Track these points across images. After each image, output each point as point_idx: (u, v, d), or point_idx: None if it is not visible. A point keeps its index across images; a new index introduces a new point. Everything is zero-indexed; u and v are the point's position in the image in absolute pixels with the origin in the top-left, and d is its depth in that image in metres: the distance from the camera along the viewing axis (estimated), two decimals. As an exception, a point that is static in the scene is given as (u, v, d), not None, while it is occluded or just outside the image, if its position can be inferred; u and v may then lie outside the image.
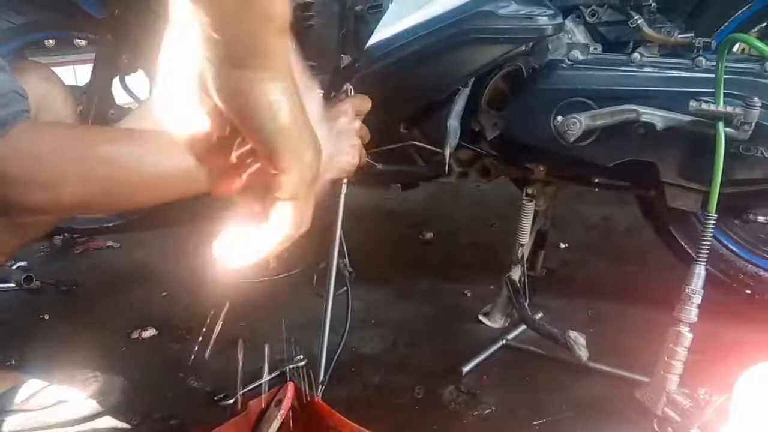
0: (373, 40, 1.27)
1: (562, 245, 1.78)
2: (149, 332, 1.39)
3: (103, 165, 0.80)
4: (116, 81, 1.78)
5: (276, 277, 1.68)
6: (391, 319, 1.42)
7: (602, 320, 1.38)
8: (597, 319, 1.39)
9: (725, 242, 1.28)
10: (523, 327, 1.30)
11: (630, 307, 1.41)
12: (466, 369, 1.21)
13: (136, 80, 1.80)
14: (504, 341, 1.29)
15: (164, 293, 1.60)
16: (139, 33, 1.65)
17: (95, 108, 1.76)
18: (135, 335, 1.38)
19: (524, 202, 1.32)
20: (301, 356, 1.26)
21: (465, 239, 1.90)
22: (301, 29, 1.52)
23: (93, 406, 1.12)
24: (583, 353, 1.16)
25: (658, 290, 1.48)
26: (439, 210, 2.14)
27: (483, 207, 2.11)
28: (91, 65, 1.75)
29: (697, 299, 0.99)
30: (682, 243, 1.30)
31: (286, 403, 1.01)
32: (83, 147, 0.80)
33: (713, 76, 1.01)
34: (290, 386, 1.03)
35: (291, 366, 1.24)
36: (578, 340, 1.16)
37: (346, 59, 1.39)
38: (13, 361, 1.30)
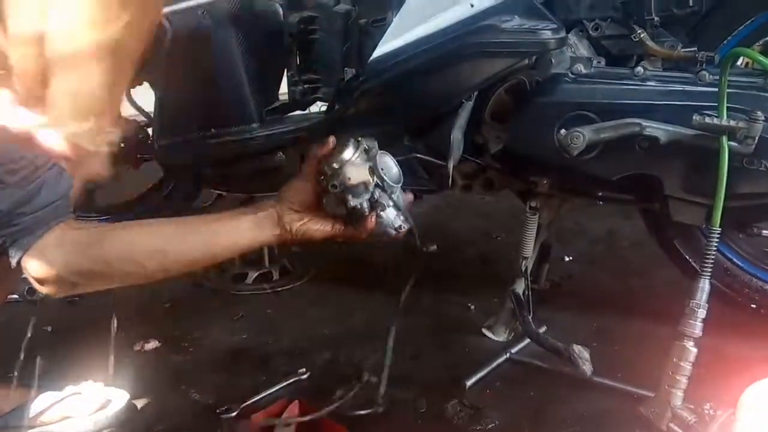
0: (376, 54, 1.28)
1: (567, 258, 1.77)
2: (152, 344, 1.39)
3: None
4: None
5: (279, 290, 1.68)
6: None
7: (606, 334, 1.37)
8: (601, 333, 1.38)
9: (730, 256, 1.28)
10: (527, 341, 1.30)
11: (634, 321, 1.40)
12: (469, 383, 1.20)
13: (141, 93, 1.82)
14: (508, 355, 1.28)
15: (167, 304, 1.60)
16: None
17: (101, 120, 1.77)
18: (138, 347, 1.38)
19: (528, 215, 1.32)
20: (304, 369, 1.25)
21: (469, 252, 1.89)
22: (305, 43, 1.53)
23: (97, 420, 1.11)
24: (587, 367, 1.15)
25: (663, 304, 1.47)
26: (442, 222, 2.13)
27: (487, 219, 2.11)
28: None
29: (702, 314, 0.99)
30: (687, 257, 1.30)
31: (295, 422, 1.01)
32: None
33: (716, 90, 1.01)
34: (296, 403, 1.03)
35: (294, 379, 1.24)
36: (582, 354, 1.15)
37: (350, 73, 1.40)
38: (16, 373, 1.29)
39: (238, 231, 0.93)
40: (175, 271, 0.93)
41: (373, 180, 0.92)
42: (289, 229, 0.95)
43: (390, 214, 0.93)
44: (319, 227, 0.97)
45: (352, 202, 0.92)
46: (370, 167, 0.92)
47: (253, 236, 0.94)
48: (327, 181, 0.93)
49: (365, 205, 0.93)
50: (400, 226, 0.94)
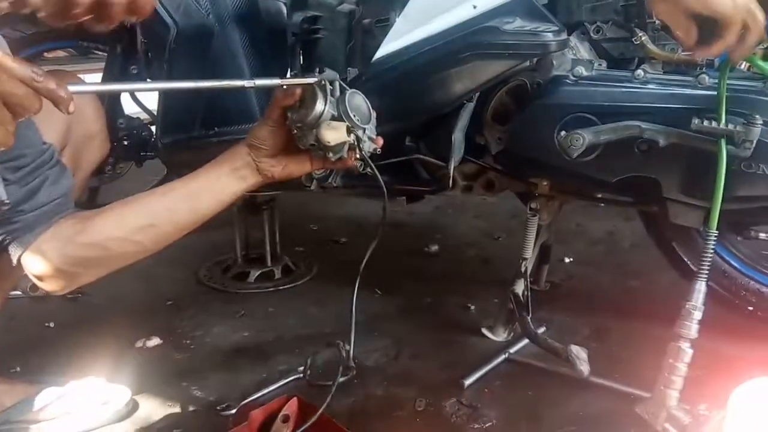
0: (379, 54, 1.29)
1: (567, 259, 1.78)
2: (154, 341, 1.40)
3: (144, 237, 0.92)
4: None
5: (281, 288, 1.69)
6: (394, 331, 1.43)
7: (605, 335, 1.38)
8: (600, 334, 1.38)
9: (728, 258, 1.28)
10: (526, 341, 1.30)
11: (633, 322, 1.41)
12: (468, 382, 1.21)
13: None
14: (506, 355, 1.29)
15: (169, 302, 1.61)
16: (148, 44, 1.67)
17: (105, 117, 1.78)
18: (140, 344, 1.39)
19: (528, 216, 1.33)
20: (303, 367, 1.26)
21: (470, 252, 1.90)
22: (308, 42, 1.54)
23: (98, 416, 1.12)
24: (584, 368, 1.16)
25: (661, 305, 1.46)
26: (444, 223, 2.15)
27: (488, 220, 2.12)
28: (101, 75, 1.78)
29: (698, 315, 1.00)
30: (685, 258, 1.30)
31: (293, 418, 1.02)
32: (126, 231, 0.91)
33: (716, 93, 1.02)
34: (294, 400, 1.04)
35: (294, 377, 1.25)
36: (580, 354, 1.16)
37: (353, 72, 1.41)
38: (18, 369, 1.31)
39: (221, 188, 0.94)
40: (171, 239, 0.94)
41: (351, 137, 0.91)
42: (270, 175, 0.96)
43: (366, 147, 0.93)
44: (298, 166, 0.98)
45: (334, 157, 0.93)
46: (347, 126, 0.91)
47: (236, 189, 0.95)
48: (303, 140, 0.92)
49: (345, 154, 0.93)
50: (375, 149, 0.95)
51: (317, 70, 0.93)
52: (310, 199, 2.27)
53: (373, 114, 0.94)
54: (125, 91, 0.76)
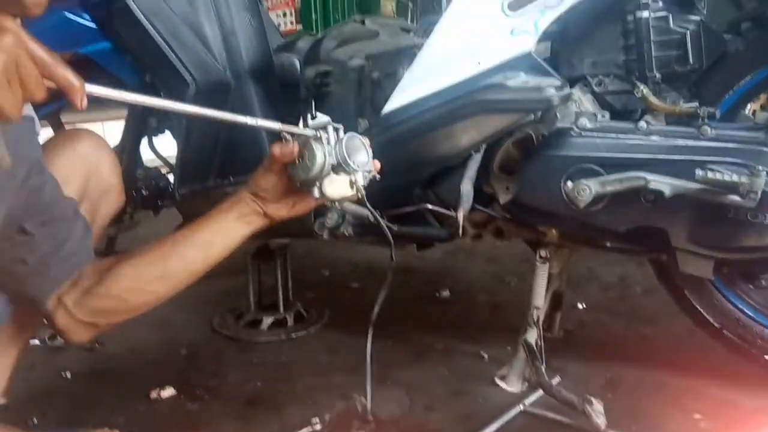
0: (387, 109, 1.33)
1: (580, 306, 1.77)
2: (168, 392, 1.41)
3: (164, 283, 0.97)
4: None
5: (294, 336, 1.70)
6: (407, 381, 1.42)
7: (620, 384, 1.36)
8: (615, 384, 1.36)
9: (742, 307, 1.27)
10: (541, 391, 1.29)
11: (648, 371, 1.39)
12: (482, 435, 1.20)
13: (163, 141, 1.89)
14: (521, 407, 1.28)
15: (183, 351, 1.63)
16: (168, 98, 1.73)
17: (124, 168, 1.83)
18: (154, 394, 1.40)
19: (538, 264, 1.33)
20: (317, 419, 1.26)
21: (481, 298, 1.90)
22: (320, 95, 1.59)
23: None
24: (600, 421, 1.15)
25: (677, 353, 1.46)
26: (455, 268, 2.15)
27: (499, 264, 2.12)
28: (122, 123, 1.84)
29: None
30: (698, 307, 1.30)
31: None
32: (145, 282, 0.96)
33: (719, 144, 1.04)
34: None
35: (307, 429, 1.24)
36: (596, 407, 1.15)
37: (363, 124, 1.45)
38: (35, 420, 1.32)
39: (231, 234, 0.98)
40: (184, 284, 0.98)
41: (354, 189, 0.93)
42: (278, 217, 0.99)
43: (367, 180, 0.95)
44: (303, 206, 1.00)
45: (339, 206, 0.95)
46: (350, 180, 0.93)
47: (244, 234, 0.98)
48: (306, 188, 0.94)
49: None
50: (374, 176, 0.96)
51: (309, 116, 0.94)
52: (321, 244, 2.29)
53: (366, 143, 0.96)
54: (138, 102, 0.79)
